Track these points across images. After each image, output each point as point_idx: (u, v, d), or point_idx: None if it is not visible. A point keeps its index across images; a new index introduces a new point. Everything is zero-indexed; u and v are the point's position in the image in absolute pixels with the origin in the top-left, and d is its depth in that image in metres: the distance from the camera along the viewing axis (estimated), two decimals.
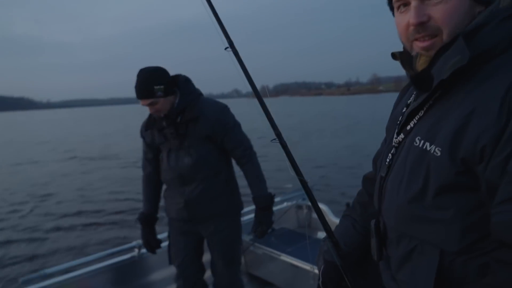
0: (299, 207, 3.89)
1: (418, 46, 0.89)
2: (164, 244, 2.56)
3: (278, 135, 0.96)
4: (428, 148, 0.83)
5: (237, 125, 2.23)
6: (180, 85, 2.14)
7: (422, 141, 0.86)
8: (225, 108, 2.20)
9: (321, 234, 3.45)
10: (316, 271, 2.68)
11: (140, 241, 2.59)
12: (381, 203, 1.01)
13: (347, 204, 3.25)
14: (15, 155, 18.29)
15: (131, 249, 2.63)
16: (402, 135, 0.96)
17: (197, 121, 2.11)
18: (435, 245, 0.84)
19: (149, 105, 2.06)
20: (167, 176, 2.21)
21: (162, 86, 2.02)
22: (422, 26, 0.84)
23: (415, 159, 0.87)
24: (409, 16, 0.86)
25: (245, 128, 2.30)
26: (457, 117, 0.79)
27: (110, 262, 2.53)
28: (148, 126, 2.23)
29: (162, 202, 2.43)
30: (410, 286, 0.90)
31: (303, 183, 0.93)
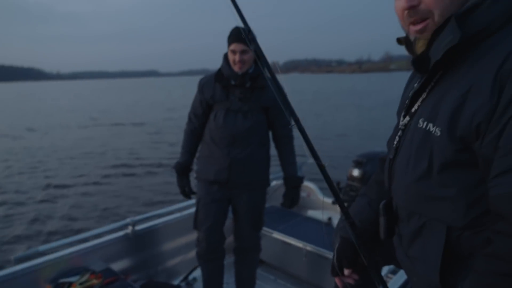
0: None
1: (412, 29, 0.91)
2: (155, 222, 2.71)
3: (297, 120, 0.98)
4: (431, 129, 0.86)
5: None
6: None
7: (425, 123, 0.88)
8: None
9: (311, 212, 3.49)
10: (308, 248, 2.75)
11: (134, 218, 2.66)
12: (391, 184, 1.04)
13: (338, 183, 3.27)
14: (48, 122, 19.24)
15: (125, 226, 2.64)
16: (408, 118, 0.98)
17: (262, 91, 2.23)
18: (442, 221, 0.87)
19: (241, 52, 2.15)
20: (219, 134, 2.26)
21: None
22: (414, 10, 0.88)
23: (420, 140, 0.89)
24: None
25: None
26: (455, 96, 0.81)
27: (103, 240, 2.53)
28: (217, 79, 2.27)
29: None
30: (421, 261, 0.94)
31: (321, 167, 0.95)
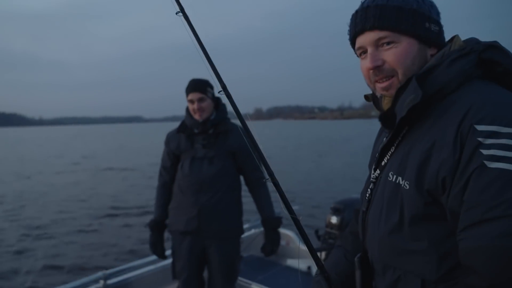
0: None
1: (378, 87, 0.96)
2: (128, 276, 2.62)
3: (271, 174, 0.99)
4: (400, 182, 0.88)
5: None
6: (219, 104, 2.36)
7: (394, 176, 0.91)
8: None
9: (290, 261, 3.42)
10: None
11: (106, 272, 2.57)
12: (364, 236, 1.04)
13: (316, 231, 3.22)
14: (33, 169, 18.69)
15: (96, 280, 2.54)
16: (378, 171, 1.01)
17: (226, 136, 2.28)
18: (417, 275, 0.86)
19: (198, 100, 2.23)
20: (186, 183, 2.26)
21: (212, 91, 2.28)
22: (379, 69, 0.93)
23: (390, 193, 0.91)
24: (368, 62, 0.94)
25: None
26: (420, 151, 0.84)
27: None
28: (180, 129, 2.34)
29: None
30: None
31: (296, 221, 0.95)
